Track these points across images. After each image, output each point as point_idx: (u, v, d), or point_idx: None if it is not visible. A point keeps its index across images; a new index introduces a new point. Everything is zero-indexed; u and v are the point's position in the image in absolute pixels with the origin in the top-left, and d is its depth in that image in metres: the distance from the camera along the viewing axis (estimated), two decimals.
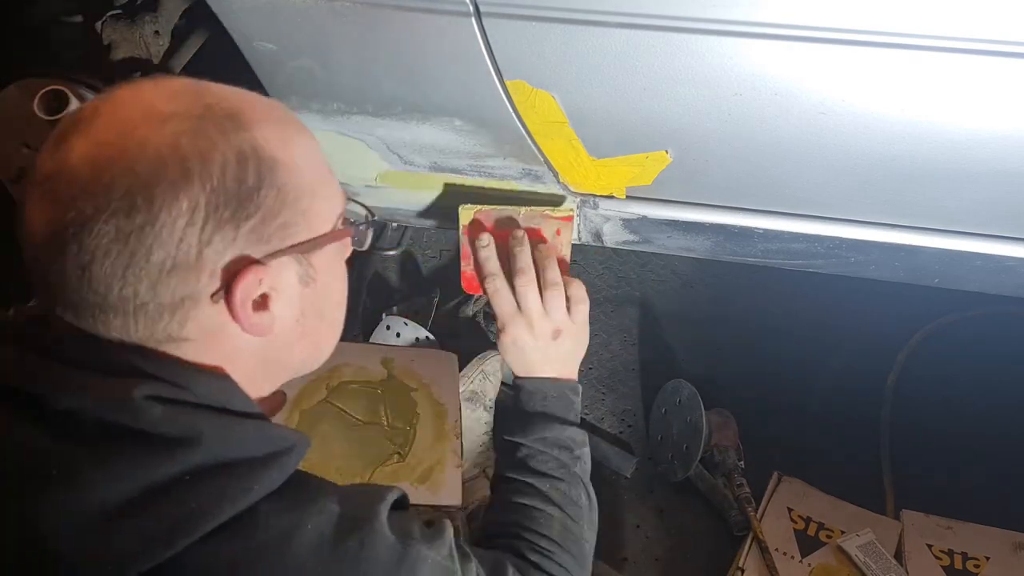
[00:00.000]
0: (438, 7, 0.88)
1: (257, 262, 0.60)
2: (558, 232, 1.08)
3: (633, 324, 1.87)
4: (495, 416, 1.22)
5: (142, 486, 0.54)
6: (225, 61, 1.17)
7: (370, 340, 1.63)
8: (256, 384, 0.66)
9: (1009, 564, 1.46)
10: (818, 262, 1.16)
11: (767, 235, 1.14)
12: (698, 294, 1.93)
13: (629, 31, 0.86)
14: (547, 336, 0.98)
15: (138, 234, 0.55)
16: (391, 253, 1.76)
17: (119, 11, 1.32)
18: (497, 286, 1.01)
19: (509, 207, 1.08)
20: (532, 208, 1.07)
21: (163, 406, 0.56)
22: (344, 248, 0.72)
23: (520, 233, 1.03)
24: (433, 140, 1.11)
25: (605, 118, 0.99)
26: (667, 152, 1.03)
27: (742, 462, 1.58)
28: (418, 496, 1.33)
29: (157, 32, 1.32)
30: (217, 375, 0.61)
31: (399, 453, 1.39)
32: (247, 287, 0.60)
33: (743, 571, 1.44)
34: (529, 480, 0.91)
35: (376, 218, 0.77)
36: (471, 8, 0.87)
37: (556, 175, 1.13)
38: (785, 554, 1.47)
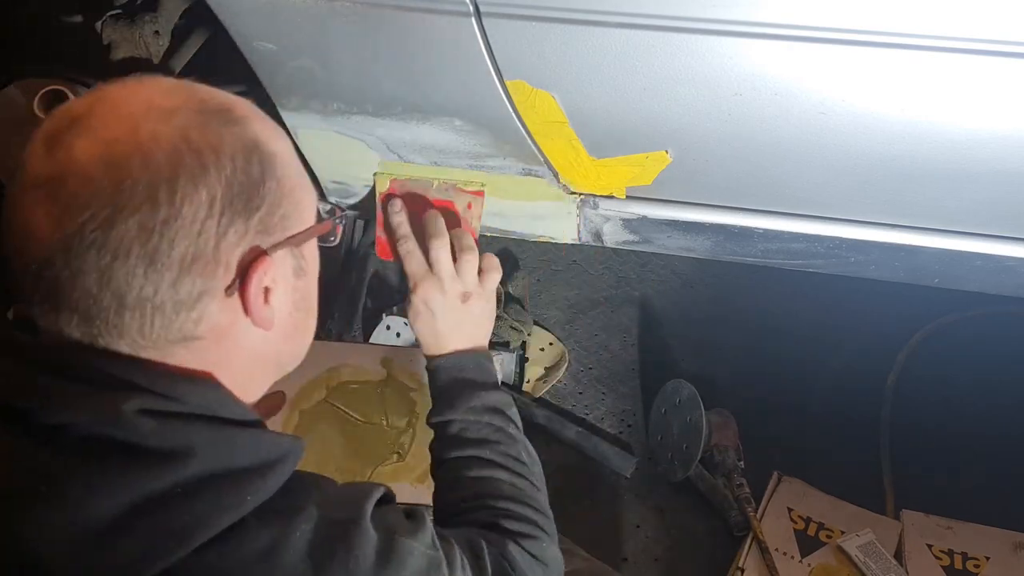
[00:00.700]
0: (438, 7, 0.88)
1: (265, 253, 0.61)
2: (469, 206, 1.10)
3: (633, 324, 1.87)
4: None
5: (134, 500, 0.54)
6: (225, 61, 1.17)
7: (370, 340, 1.63)
8: (249, 387, 0.66)
9: (1009, 564, 1.46)
10: (818, 262, 1.16)
11: (767, 235, 1.14)
12: (698, 294, 1.94)
13: (629, 31, 0.86)
14: (457, 298, 0.97)
15: (161, 229, 0.55)
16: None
17: (119, 11, 1.32)
18: (409, 247, 1.01)
19: (423, 178, 1.09)
20: (445, 180, 1.09)
21: (154, 420, 0.56)
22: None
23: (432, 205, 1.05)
24: (433, 140, 1.11)
25: (605, 118, 0.99)
26: (667, 152, 1.03)
27: (742, 462, 1.58)
28: (418, 496, 1.33)
29: (157, 32, 1.32)
30: (210, 384, 0.61)
31: (398, 453, 1.39)
32: (259, 279, 0.60)
33: (743, 571, 1.44)
34: (469, 452, 0.90)
35: (345, 212, 0.78)
36: (471, 8, 0.87)
37: (556, 175, 1.13)
38: (785, 554, 1.47)
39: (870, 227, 1.10)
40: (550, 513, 0.90)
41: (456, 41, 0.92)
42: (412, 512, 0.71)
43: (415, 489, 1.34)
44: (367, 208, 1.22)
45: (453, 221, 1.05)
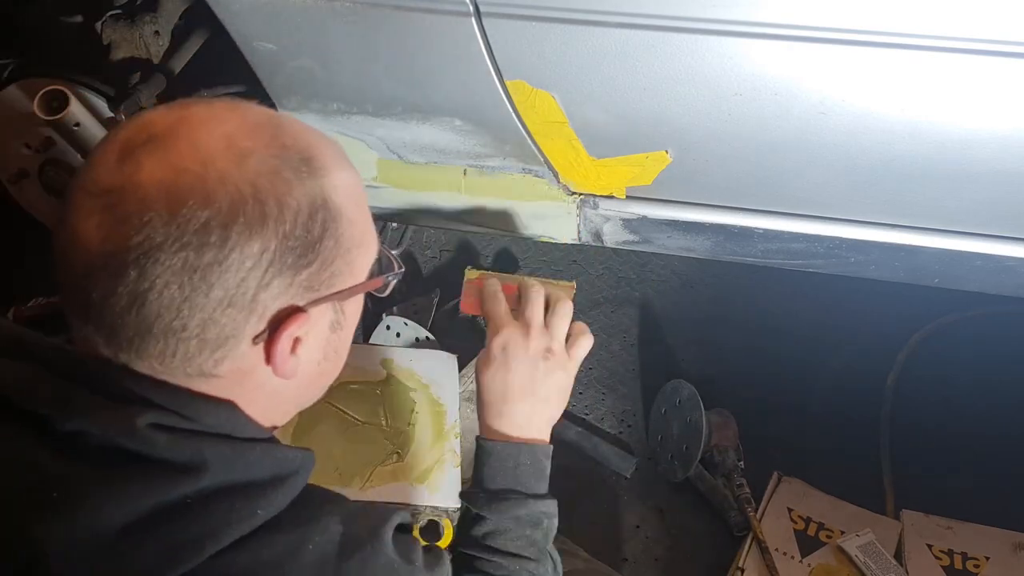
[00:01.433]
0: (438, 7, 0.89)
1: (302, 310, 0.60)
2: None
3: (633, 324, 1.87)
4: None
5: (147, 509, 0.53)
6: (225, 61, 1.17)
7: (370, 340, 1.63)
8: (265, 417, 0.65)
9: (1009, 564, 1.46)
10: (818, 262, 1.16)
11: (767, 235, 1.14)
12: (698, 294, 1.93)
13: (629, 31, 0.86)
14: (539, 352, 0.88)
15: (204, 271, 0.54)
16: (395, 252, 1.75)
17: (119, 11, 1.32)
18: (500, 298, 0.92)
19: (511, 275, 1.04)
20: (533, 278, 1.01)
21: (167, 435, 0.56)
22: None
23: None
24: (433, 140, 1.11)
25: (605, 118, 0.99)
26: (667, 152, 1.03)
27: (742, 462, 1.58)
28: (417, 496, 1.33)
29: (157, 32, 1.32)
30: (225, 405, 0.61)
31: (398, 453, 1.39)
32: (290, 334, 0.59)
33: (743, 571, 1.44)
34: (497, 560, 0.84)
35: (402, 270, 0.75)
36: (471, 8, 0.87)
37: (556, 175, 1.13)
38: (785, 554, 1.47)
39: (870, 227, 1.10)
40: None
41: (456, 41, 0.92)
42: (432, 549, 0.71)
43: (414, 489, 1.34)
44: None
45: None
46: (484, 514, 0.85)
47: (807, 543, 1.49)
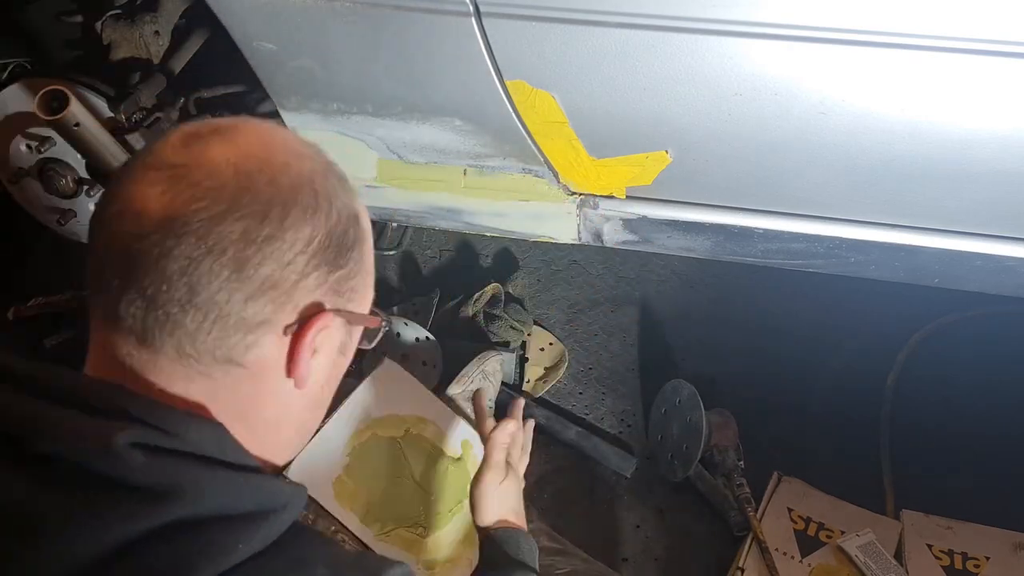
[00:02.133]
0: (438, 7, 0.89)
1: (327, 310, 0.61)
2: None
3: (633, 324, 1.87)
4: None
5: (117, 542, 0.50)
6: (225, 61, 1.17)
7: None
8: (257, 438, 0.64)
9: (1009, 564, 1.46)
10: (818, 262, 1.16)
11: (767, 235, 1.14)
12: (698, 294, 1.93)
13: (629, 31, 0.86)
14: (513, 484, 1.16)
15: (260, 243, 0.56)
16: (391, 253, 1.76)
17: (119, 11, 1.32)
18: (508, 449, 1.18)
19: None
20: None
21: (145, 455, 0.53)
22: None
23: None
24: (433, 140, 1.11)
25: (605, 118, 0.99)
26: (667, 152, 1.03)
27: (742, 462, 1.58)
28: None
29: (157, 32, 1.32)
30: (211, 424, 0.59)
31: (423, 528, 1.38)
32: (315, 333, 0.60)
33: (743, 571, 1.44)
34: None
35: (388, 325, 0.79)
36: (471, 8, 0.87)
37: (556, 175, 1.13)
38: (785, 554, 1.47)
39: (870, 227, 1.10)
40: None
41: (456, 41, 0.92)
42: None
43: (418, 572, 1.33)
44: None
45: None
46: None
47: (807, 543, 1.49)
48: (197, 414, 0.59)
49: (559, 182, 1.14)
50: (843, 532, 1.49)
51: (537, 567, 1.09)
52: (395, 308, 1.73)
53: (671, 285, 1.95)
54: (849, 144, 0.94)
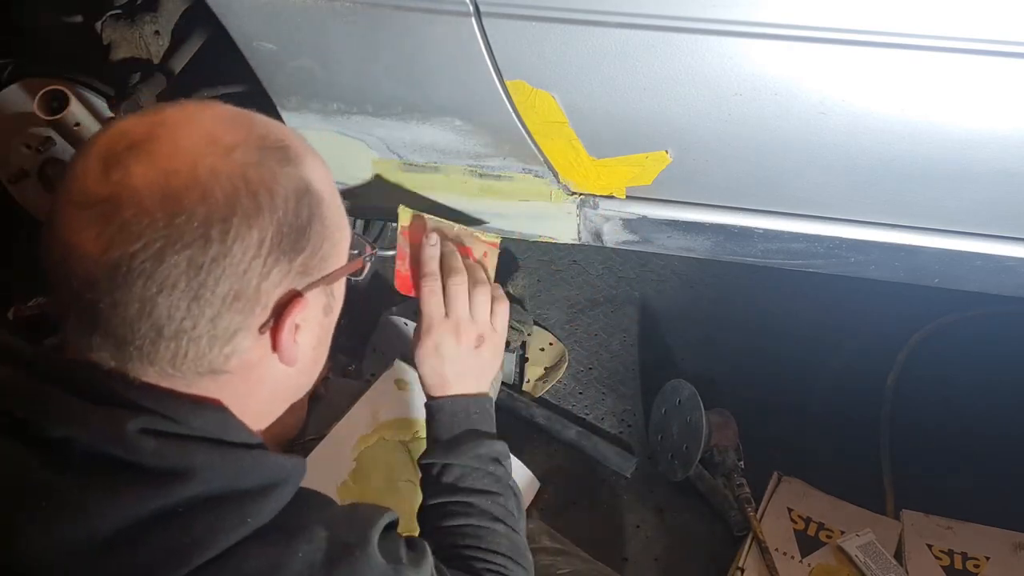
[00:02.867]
0: (438, 7, 0.89)
1: (300, 295, 0.61)
2: (485, 255, 1.07)
3: (633, 324, 1.87)
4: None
5: (134, 518, 0.53)
6: (225, 61, 1.17)
7: (369, 340, 1.63)
8: (263, 417, 0.66)
9: (1009, 564, 1.46)
10: (818, 262, 1.16)
11: (767, 235, 1.14)
12: (698, 294, 1.93)
13: (629, 31, 0.86)
14: (471, 343, 0.95)
15: (210, 266, 0.55)
16: (391, 253, 1.75)
17: (119, 11, 1.32)
18: (434, 287, 0.97)
19: (444, 220, 1.06)
20: (465, 227, 1.06)
21: (156, 440, 0.55)
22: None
23: (451, 244, 1.02)
24: (433, 140, 1.11)
25: (605, 118, 0.99)
26: (667, 152, 1.03)
27: (742, 462, 1.58)
28: None
29: (157, 32, 1.32)
30: (216, 408, 0.61)
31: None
32: (293, 320, 0.60)
33: (743, 571, 1.44)
34: (468, 500, 0.88)
35: (376, 252, 0.78)
36: (471, 8, 0.87)
37: (556, 175, 1.13)
38: (785, 554, 1.47)
39: (870, 227, 1.10)
40: (533, 571, 0.90)
41: (456, 41, 0.92)
42: (413, 543, 0.71)
43: None
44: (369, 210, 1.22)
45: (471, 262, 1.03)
46: (447, 461, 0.90)
47: (807, 543, 1.49)
48: (200, 400, 0.60)
49: (559, 182, 1.14)
50: (843, 532, 1.49)
51: (494, 429, 0.95)
52: (394, 308, 1.73)
53: (671, 285, 1.95)
54: (849, 144, 0.94)
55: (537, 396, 1.71)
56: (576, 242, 1.24)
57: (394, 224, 1.76)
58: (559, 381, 1.73)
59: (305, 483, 0.64)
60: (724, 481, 1.56)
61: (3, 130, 1.53)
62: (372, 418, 1.42)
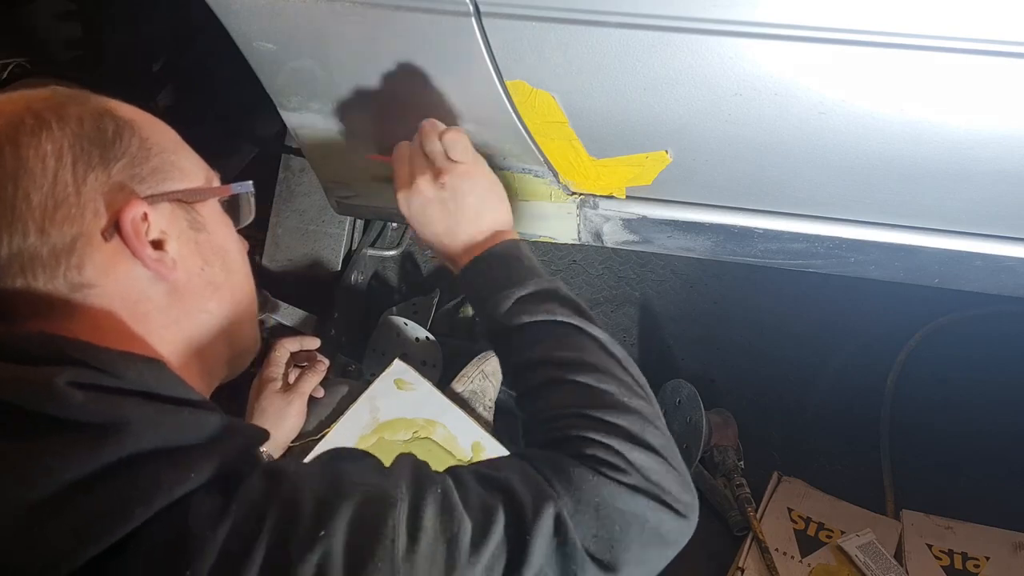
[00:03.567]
0: (438, 7, 0.88)
1: (136, 196, 0.64)
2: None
3: (633, 324, 1.87)
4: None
5: (69, 479, 0.52)
6: (225, 61, 1.17)
7: (369, 340, 1.63)
8: (201, 365, 0.68)
9: (1009, 564, 1.46)
10: (818, 262, 1.16)
11: (767, 235, 1.14)
12: (698, 294, 1.93)
13: (629, 31, 0.86)
14: (429, 183, 0.88)
15: (12, 180, 0.59)
16: (391, 253, 1.76)
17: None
18: (402, 147, 0.93)
19: None
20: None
21: (85, 392, 0.54)
22: (226, 215, 0.75)
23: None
24: None
25: (605, 118, 0.99)
26: (667, 152, 1.03)
27: (742, 462, 1.58)
28: None
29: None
30: (150, 361, 0.60)
31: None
32: (134, 221, 0.63)
33: (743, 571, 1.44)
34: (528, 357, 0.78)
35: (249, 184, 0.79)
36: (471, 8, 0.87)
37: (556, 175, 1.13)
38: (785, 554, 1.47)
39: (870, 227, 1.10)
40: (662, 424, 0.74)
41: (456, 41, 0.92)
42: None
43: None
44: (370, 210, 1.22)
45: None
46: (518, 320, 0.79)
47: (807, 543, 1.49)
48: (134, 353, 0.60)
49: (559, 182, 1.14)
50: (843, 532, 1.49)
51: (531, 264, 0.85)
52: (395, 308, 1.73)
53: (671, 285, 1.95)
54: (849, 144, 0.94)
55: None
56: (576, 242, 1.24)
57: (395, 225, 1.77)
58: None
59: None
60: (724, 481, 1.56)
61: None
62: (372, 418, 1.42)
